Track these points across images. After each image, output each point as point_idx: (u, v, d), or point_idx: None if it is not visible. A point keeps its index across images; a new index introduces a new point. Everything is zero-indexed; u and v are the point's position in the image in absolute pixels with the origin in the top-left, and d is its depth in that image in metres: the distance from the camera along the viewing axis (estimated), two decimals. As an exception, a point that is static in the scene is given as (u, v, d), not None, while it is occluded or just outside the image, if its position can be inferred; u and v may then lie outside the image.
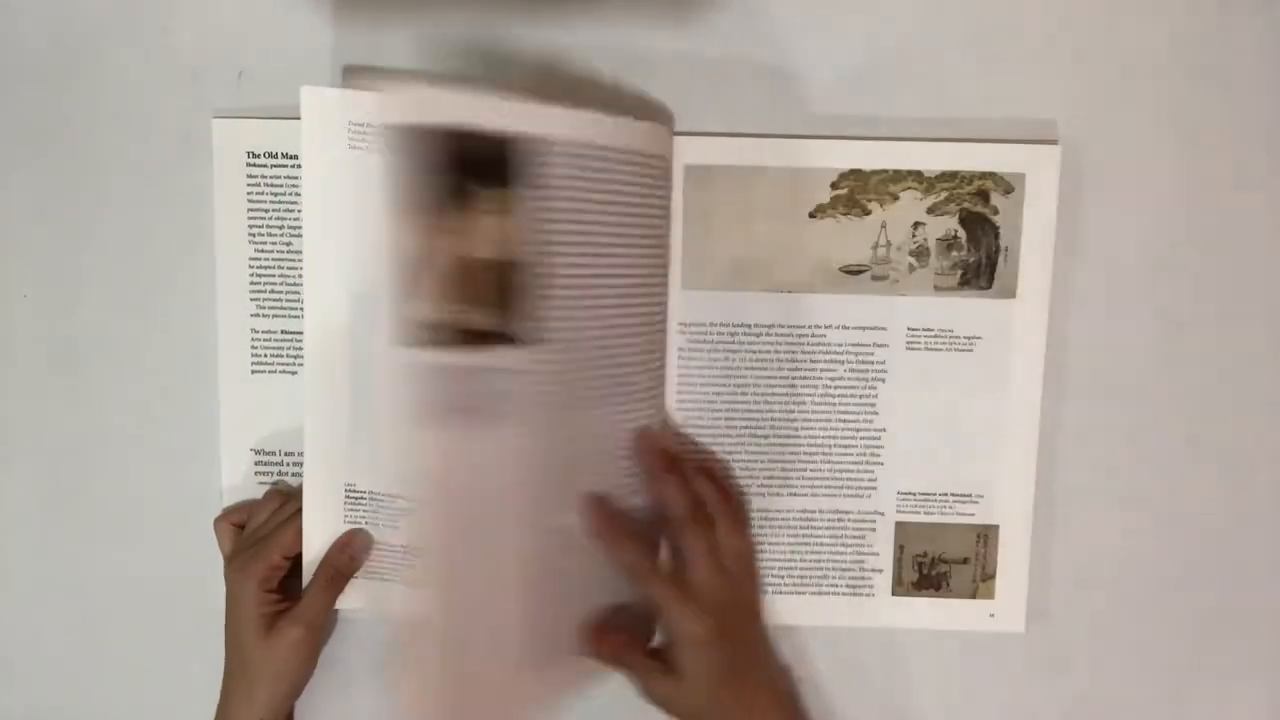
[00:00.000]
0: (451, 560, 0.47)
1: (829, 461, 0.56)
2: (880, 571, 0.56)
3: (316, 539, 0.53)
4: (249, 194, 0.54)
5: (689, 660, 0.48)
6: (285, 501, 0.54)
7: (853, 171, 0.54)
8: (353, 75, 0.53)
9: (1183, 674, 0.56)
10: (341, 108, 0.50)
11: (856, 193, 0.54)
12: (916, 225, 0.54)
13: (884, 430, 0.55)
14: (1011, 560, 0.56)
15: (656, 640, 0.53)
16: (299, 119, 0.51)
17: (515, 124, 0.44)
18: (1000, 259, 0.54)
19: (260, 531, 0.53)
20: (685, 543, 0.50)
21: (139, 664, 0.58)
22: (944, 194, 0.54)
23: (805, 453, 0.56)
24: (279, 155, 0.54)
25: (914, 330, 0.55)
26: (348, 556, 0.53)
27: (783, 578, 0.56)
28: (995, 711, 0.57)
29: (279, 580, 0.52)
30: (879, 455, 0.56)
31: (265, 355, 0.55)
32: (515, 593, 0.48)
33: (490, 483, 0.47)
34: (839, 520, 0.56)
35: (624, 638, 0.51)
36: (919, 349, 0.55)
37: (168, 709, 0.58)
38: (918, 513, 0.56)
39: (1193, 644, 0.56)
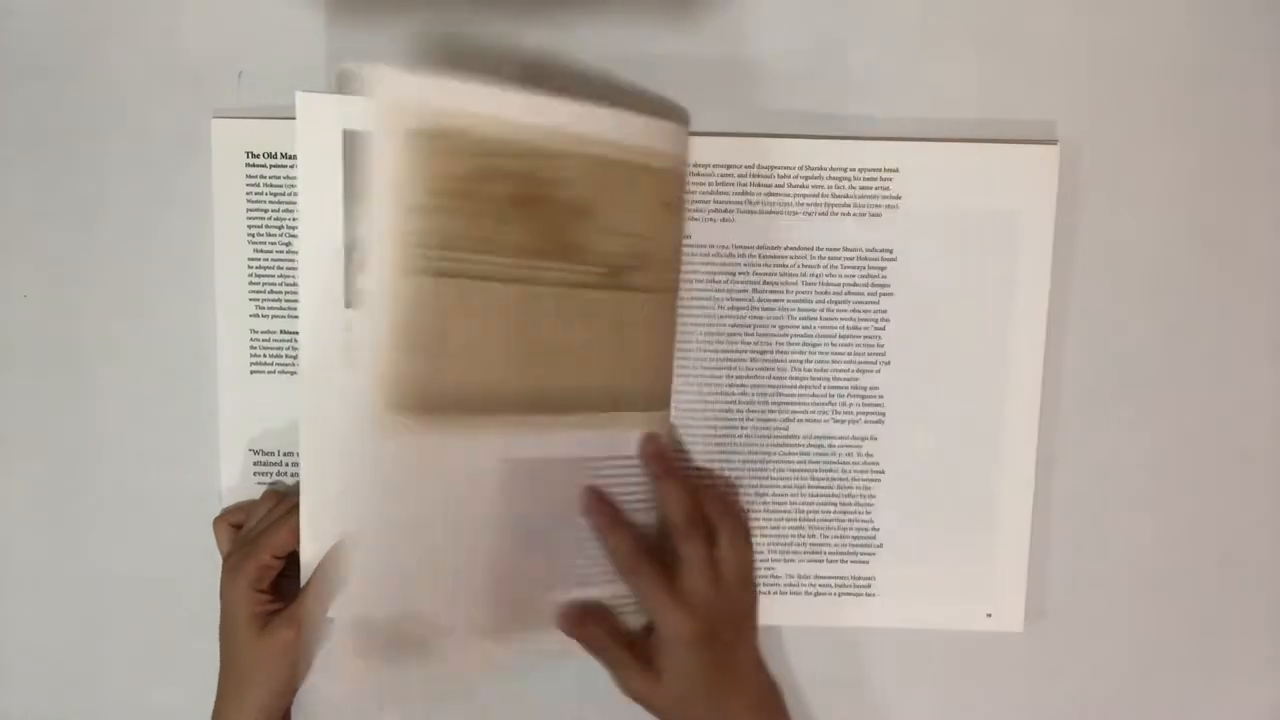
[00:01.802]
0: (407, 516, 0.47)
1: (826, 459, 0.56)
2: (874, 578, 0.56)
3: (314, 540, 0.53)
4: (248, 194, 0.54)
5: (670, 660, 0.48)
6: (280, 501, 0.54)
7: (852, 171, 0.54)
8: (347, 76, 0.54)
9: (1183, 674, 0.55)
10: (337, 113, 0.50)
11: (856, 193, 0.54)
12: (916, 225, 0.54)
13: (881, 425, 0.55)
14: (1010, 560, 0.56)
15: (639, 634, 0.52)
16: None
17: (526, 118, 0.46)
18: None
19: (254, 531, 0.53)
20: (682, 548, 0.50)
21: (139, 664, 0.58)
22: (943, 194, 0.54)
23: (797, 462, 0.56)
24: (278, 155, 0.54)
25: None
26: (348, 558, 0.53)
27: (780, 578, 0.56)
28: (993, 712, 0.57)
29: (270, 580, 0.52)
30: (876, 458, 0.56)
31: (264, 355, 0.55)
32: (481, 563, 0.49)
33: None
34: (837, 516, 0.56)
35: (605, 626, 0.51)
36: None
37: (167, 709, 0.58)
38: (916, 514, 0.56)
39: (1193, 644, 0.56)
